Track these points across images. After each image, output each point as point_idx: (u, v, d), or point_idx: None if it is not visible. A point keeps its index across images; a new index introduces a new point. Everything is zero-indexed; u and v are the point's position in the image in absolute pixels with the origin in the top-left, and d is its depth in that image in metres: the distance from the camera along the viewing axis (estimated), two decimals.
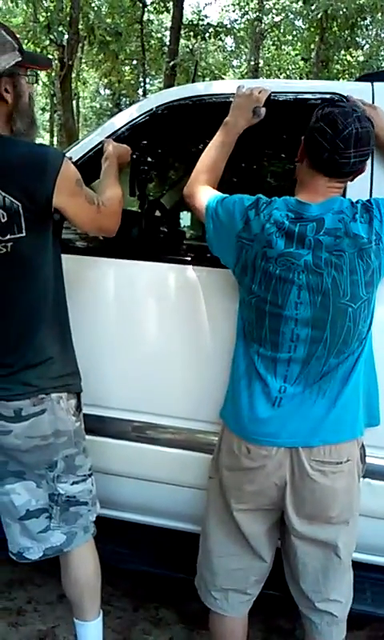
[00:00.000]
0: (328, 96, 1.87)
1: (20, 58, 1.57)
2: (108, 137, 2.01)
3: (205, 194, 1.73)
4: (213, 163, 1.80)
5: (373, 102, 1.86)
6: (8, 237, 1.54)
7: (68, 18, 12.35)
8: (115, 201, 1.79)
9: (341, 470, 1.57)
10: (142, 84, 19.43)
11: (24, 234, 1.54)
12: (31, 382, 1.64)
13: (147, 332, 2.00)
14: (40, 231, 1.60)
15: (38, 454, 1.69)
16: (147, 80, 20.05)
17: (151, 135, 2.08)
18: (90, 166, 1.94)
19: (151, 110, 2.02)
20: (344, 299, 1.49)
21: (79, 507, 1.78)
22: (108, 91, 24.07)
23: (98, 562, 1.88)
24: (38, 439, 1.67)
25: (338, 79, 17.64)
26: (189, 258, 1.98)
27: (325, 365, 1.54)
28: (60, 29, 12.52)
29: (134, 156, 2.00)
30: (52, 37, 12.70)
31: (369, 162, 1.80)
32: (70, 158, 1.88)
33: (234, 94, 1.88)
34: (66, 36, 12.43)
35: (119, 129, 2.03)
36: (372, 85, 1.92)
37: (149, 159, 2.26)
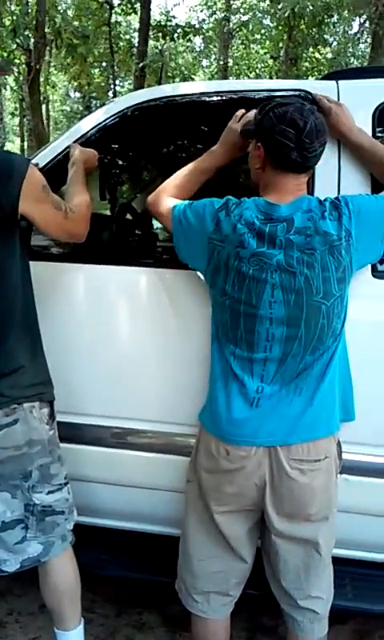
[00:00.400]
0: (296, 94, 1.88)
1: None
2: (76, 140, 1.99)
3: (170, 201, 1.73)
4: (185, 183, 1.79)
5: (338, 100, 1.87)
6: None
7: (34, 22, 12.28)
8: (83, 206, 1.78)
9: (318, 467, 1.58)
10: (112, 86, 19.37)
11: None
12: (3, 392, 1.62)
13: (121, 337, 1.99)
14: (6, 238, 1.60)
15: (11, 465, 1.66)
16: (117, 82, 19.99)
17: (119, 138, 2.08)
18: (58, 171, 1.92)
19: (119, 112, 2.01)
20: (317, 297, 1.50)
21: (55, 516, 1.76)
22: (78, 94, 24.00)
23: (77, 570, 1.86)
24: (11, 449, 1.65)
25: (307, 76, 17.80)
26: (162, 262, 1.98)
27: (301, 362, 1.55)
28: (26, 33, 12.46)
29: (104, 160, 2.00)
30: (18, 41, 12.63)
31: (336, 158, 1.84)
32: (37, 165, 1.87)
33: (201, 93, 1.88)
34: (33, 40, 12.36)
35: (87, 132, 2.02)
36: (337, 83, 1.93)
37: (118, 162, 2.26)
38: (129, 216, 2.69)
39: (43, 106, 16.60)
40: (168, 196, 1.77)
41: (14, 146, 25.93)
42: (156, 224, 3.39)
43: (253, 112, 1.72)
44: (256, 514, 1.68)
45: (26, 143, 20.17)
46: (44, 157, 2.02)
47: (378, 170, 1.78)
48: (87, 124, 2.04)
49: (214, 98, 1.99)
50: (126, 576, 2.17)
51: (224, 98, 1.97)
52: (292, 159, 1.52)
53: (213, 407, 1.65)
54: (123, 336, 1.99)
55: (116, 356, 1.99)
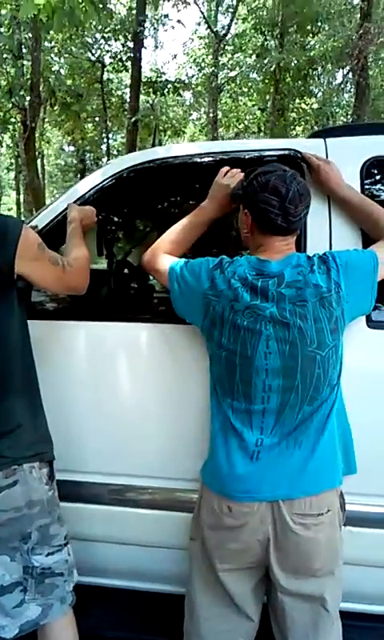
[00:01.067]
0: (285, 152, 1.96)
1: None
2: (74, 202, 2.06)
3: (166, 259, 1.79)
4: (179, 239, 1.85)
5: (326, 157, 1.94)
6: None
7: (29, 83, 12.66)
8: (81, 259, 1.82)
9: (322, 521, 1.57)
10: (105, 140, 19.85)
11: None
12: (2, 452, 1.60)
13: (121, 393, 1.99)
14: (3, 298, 1.62)
15: (10, 527, 1.64)
16: (110, 135, 20.49)
17: (116, 198, 2.14)
18: (58, 231, 1.99)
19: (114, 174, 2.08)
20: (311, 347, 1.53)
21: (55, 578, 1.72)
22: (72, 148, 24.54)
23: (77, 633, 1.80)
24: (11, 512, 1.62)
25: (295, 126, 18.27)
26: (160, 317, 2.01)
27: (299, 413, 1.56)
28: (21, 93, 12.82)
29: (100, 217, 2.05)
30: (14, 101, 13.00)
31: (326, 215, 1.89)
32: (35, 227, 1.92)
33: (193, 154, 1.94)
34: (28, 99, 12.72)
35: (85, 193, 2.09)
36: (325, 141, 2.01)
37: (115, 220, 2.32)
38: (126, 271, 2.74)
39: (38, 161, 16.93)
40: (163, 253, 1.82)
41: (10, 199, 26.38)
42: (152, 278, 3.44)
43: (242, 175, 1.81)
44: (260, 571, 1.67)
45: (21, 197, 20.55)
46: (44, 218, 2.08)
47: (366, 224, 1.84)
48: (84, 186, 2.11)
49: (205, 159, 2.07)
50: (129, 638, 2.11)
51: (215, 158, 2.05)
52: (277, 224, 1.60)
53: (214, 463, 1.65)
54: (123, 392, 2.00)
55: (115, 411, 1.99)
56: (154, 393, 1.97)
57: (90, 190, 2.08)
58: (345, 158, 1.94)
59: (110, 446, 1.99)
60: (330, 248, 1.85)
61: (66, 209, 2.04)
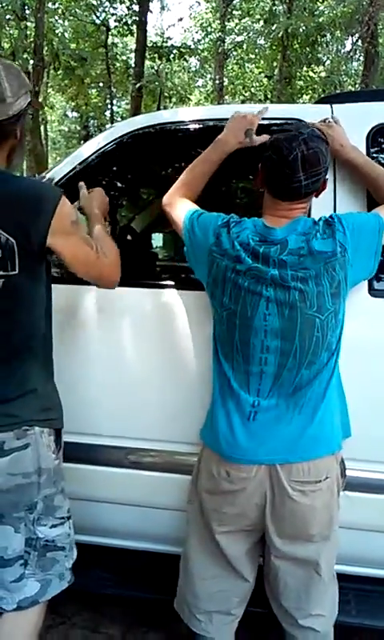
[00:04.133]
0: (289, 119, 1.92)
1: (30, 98, 1.58)
2: (77, 165, 2.04)
3: (182, 208, 1.77)
4: (195, 177, 1.83)
5: None
6: (1, 273, 1.50)
7: (32, 45, 12.43)
8: (116, 253, 1.73)
9: (319, 488, 1.59)
10: (109, 106, 19.56)
11: (17, 272, 1.50)
12: (14, 412, 1.55)
13: (126, 358, 2.00)
14: (33, 269, 1.55)
15: (18, 494, 1.57)
16: (114, 102, 20.19)
17: (119, 162, 2.12)
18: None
19: (118, 137, 2.06)
20: (311, 310, 1.53)
21: (56, 552, 1.67)
22: (75, 114, 24.21)
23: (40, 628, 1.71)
24: (19, 477, 1.56)
25: (302, 95, 17.98)
26: (163, 282, 2.02)
27: (297, 376, 1.57)
28: (24, 56, 12.59)
29: (104, 182, 2.03)
30: (17, 64, 12.76)
31: (331, 176, 1.87)
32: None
33: (197, 120, 1.92)
34: (32, 62, 12.51)
35: (88, 157, 2.06)
36: (331, 107, 1.98)
37: (118, 185, 2.31)
38: (129, 237, 2.74)
39: (41, 127, 16.72)
40: (180, 197, 1.80)
41: None
42: (155, 244, 3.44)
43: (260, 116, 1.84)
44: (256, 534, 1.69)
45: (25, 163, 20.32)
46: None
47: (372, 186, 1.82)
48: (88, 149, 2.09)
49: (210, 124, 2.03)
50: (127, 595, 2.16)
51: (220, 123, 2.01)
52: (275, 186, 1.58)
53: (213, 425, 1.66)
54: (127, 357, 2.00)
55: (121, 376, 2.00)
56: (160, 357, 1.98)
57: (93, 153, 2.06)
58: (351, 124, 1.91)
59: (115, 408, 2.00)
60: (335, 211, 1.84)
61: (69, 173, 2.02)
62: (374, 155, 1.92)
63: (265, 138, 1.75)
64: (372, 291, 1.83)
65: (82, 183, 1.94)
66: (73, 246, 1.59)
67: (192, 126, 2.07)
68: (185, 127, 2.06)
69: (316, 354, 1.56)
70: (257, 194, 1.75)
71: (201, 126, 2.06)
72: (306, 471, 1.58)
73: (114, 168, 2.15)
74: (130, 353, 2.00)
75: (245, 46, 18.89)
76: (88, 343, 2.02)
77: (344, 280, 1.56)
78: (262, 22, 17.59)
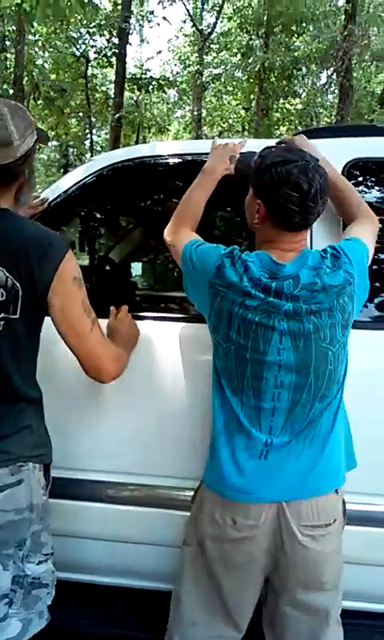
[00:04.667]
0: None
1: (36, 137, 1.58)
2: (56, 197, 2.04)
3: (182, 238, 1.71)
4: (191, 206, 1.79)
5: None
6: (2, 315, 1.49)
7: (12, 76, 12.56)
8: (118, 352, 1.70)
9: (329, 532, 1.54)
10: (89, 135, 19.73)
11: (18, 316, 1.50)
12: (9, 449, 1.53)
13: (108, 392, 1.94)
14: (34, 315, 1.54)
15: (10, 531, 1.53)
16: (94, 131, 20.38)
17: (99, 194, 2.13)
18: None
19: (98, 170, 2.07)
20: (324, 342, 1.49)
21: (40, 590, 1.63)
22: (55, 143, 24.37)
23: None
24: (12, 513, 1.52)
25: (279, 126, 18.33)
26: (140, 313, 2.00)
27: (310, 412, 1.51)
28: (5, 86, 12.71)
29: (83, 213, 2.04)
30: None
31: None
32: None
33: (175, 154, 1.95)
34: (11, 93, 12.60)
35: (68, 189, 2.08)
36: None
37: (97, 216, 2.32)
38: (107, 267, 2.74)
39: None
40: (180, 227, 1.76)
41: None
42: (134, 272, 3.44)
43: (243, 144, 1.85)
44: (261, 581, 1.62)
45: None
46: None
47: (341, 202, 1.80)
48: (68, 181, 2.10)
49: (188, 158, 2.07)
50: (108, 633, 2.09)
51: (197, 158, 2.02)
52: (294, 222, 1.50)
53: (216, 463, 1.58)
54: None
55: (101, 410, 1.97)
56: (142, 388, 1.95)
57: (72, 186, 2.07)
58: (328, 158, 1.95)
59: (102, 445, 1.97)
60: (311, 245, 1.86)
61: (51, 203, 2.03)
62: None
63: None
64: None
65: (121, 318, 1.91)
66: (68, 304, 1.54)
67: (170, 160, 2.10)
68: (163, 161, 2.09)
69: (329, 388, 1.52)
70: (246, 227, 1.73)
71: (179, 160, 2.10)
72: (314, 515, 1.52)
73: (94, 200, 2.16)
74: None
75: (222, 79, 19.27)
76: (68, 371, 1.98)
77: (352, 310, 1.54)
78: (239, 56, 18.00)
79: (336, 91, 15.32)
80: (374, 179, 2.07)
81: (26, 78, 13.31)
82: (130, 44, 15.16)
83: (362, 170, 2.00)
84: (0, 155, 1.47)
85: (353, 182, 1.96)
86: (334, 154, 1.96)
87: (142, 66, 19.15)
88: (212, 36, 18.77)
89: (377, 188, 2.06)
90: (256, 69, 16.54)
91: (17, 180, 1.56)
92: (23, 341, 1.54)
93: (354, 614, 1.95)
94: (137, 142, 16.30)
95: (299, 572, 1.54)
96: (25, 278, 1.48)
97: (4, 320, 1.50)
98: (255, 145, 2.04)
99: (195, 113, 18.45)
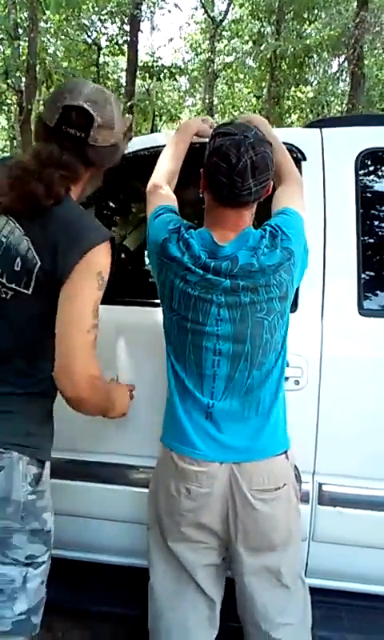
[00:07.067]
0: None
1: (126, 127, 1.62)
2: None
3: (155, 200, 1.75)
4: (170, 160, 1.85)
5: (322, 148, 1.97)
6: (13, 286, 1.44)
7: (25, 64, 12.54)
8: (102, 382, 1.53)
9: (279, 495, 1.59)
10: None
11: (29, 292, 1.44)
12: None
13: (120, 374, 1.98)
14: (44, 297, 1.44)
15: None
16: None
17: (114, 183, 2.15)
18: None
19: None
20: (261, 313, 1.55)
21: None
22: None
23: None
24: None
25: (290, 114, 18.22)
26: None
27: (248, 378, 1.58)
28: (17, 74, 12.69)
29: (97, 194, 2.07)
30: (10, 82, 12.88)
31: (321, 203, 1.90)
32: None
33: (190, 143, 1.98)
34: (24, 81, 12.61)
35: None
36: (320, 131, 2.04)
37: (113, 205, 2.34)
38: (123, 255, 2.78)
39: (34, 144, 16.78)
40: (159, 183, 1.79)
41: None
42: (148, 260, 3.47)
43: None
44: (222, 551, 1.66)
45: None
46: None
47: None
48: None
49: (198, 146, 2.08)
50: (118, 613, 2.12)
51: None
52: (224, 194, 1.53)
53: (171, 419, 1.65)
54: (120, 374, 1.99)
55: None
56: (152, 376, 1.96)
57: None
58: (341, 148, 1.98)
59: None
60: (325, 235, 1.89)
61: None
62: (362, 177, 1.98)
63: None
64: (361, 310, 1.88)
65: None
66: (80, 293, 1.43)
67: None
68: None
69: (265, 355, 1.58)
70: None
71: (194, 148, 2.10)
72: (265, 479, 1.58)
73: (109, 188, 2.19)
74: (123, 370, 2.00)
75: (234, 67, 19.15)
76: None
77: (290, 283, 1.58)
78: (250, 44, 17.89)
79: (347, 79, 15.17)
80: None
81: (39, 66, 13.28)
82: (142, 31, 15.07)
83: (375, 160, 2.02)
84: (105, 134, 1.50)
85: (364, 171, 1.99)
86: (347, 143, 2.00)
87: (154, 53, 19.00)
88: (223, 23, 18.64)
89: None
90: (267, 56, 16.44)
91: (95, 166, 1.56)
92: (30, 317, 1.47)
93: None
94: (152, 131, 16.23)
95: (251, 535, 1.59)
96: (49, 254, 1.41)
97: (13, 291, 1.45)
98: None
99: (207, 101, 18.38)
